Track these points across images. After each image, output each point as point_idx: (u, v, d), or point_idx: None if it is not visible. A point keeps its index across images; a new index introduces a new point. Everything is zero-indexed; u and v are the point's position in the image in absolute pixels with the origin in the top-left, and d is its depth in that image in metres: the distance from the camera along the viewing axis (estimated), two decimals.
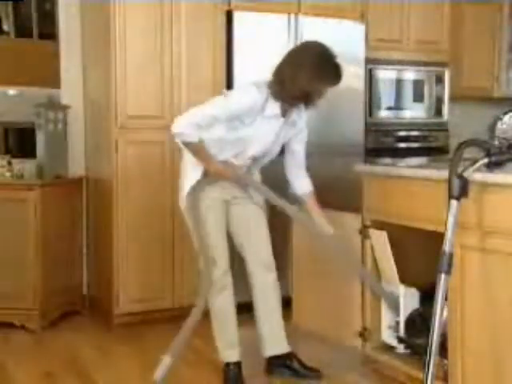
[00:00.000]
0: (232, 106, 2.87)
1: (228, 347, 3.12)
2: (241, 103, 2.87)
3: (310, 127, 4.42)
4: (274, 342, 3.19)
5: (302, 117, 3.07)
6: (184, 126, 2.83)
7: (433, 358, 2.46)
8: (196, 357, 3.47)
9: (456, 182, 2.48)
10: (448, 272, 2.47)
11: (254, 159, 3.05)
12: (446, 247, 2.47)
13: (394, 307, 3.13)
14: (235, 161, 2.99)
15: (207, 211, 3.00)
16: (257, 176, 3.18)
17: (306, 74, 2.82)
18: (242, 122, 2.88)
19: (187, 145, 2.90)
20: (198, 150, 2.90)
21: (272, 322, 3.18)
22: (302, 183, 3.18)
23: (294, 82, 2.83)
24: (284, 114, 2.96)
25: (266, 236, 3.16)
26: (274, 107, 2.91)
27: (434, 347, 2.46)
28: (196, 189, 2.96)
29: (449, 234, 2.48)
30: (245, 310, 3.25)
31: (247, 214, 3.14)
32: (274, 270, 3.17)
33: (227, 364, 3.13)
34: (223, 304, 3.10)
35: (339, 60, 2.90)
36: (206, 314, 3.06)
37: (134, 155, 3.99)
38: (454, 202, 2.49)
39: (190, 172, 3.00)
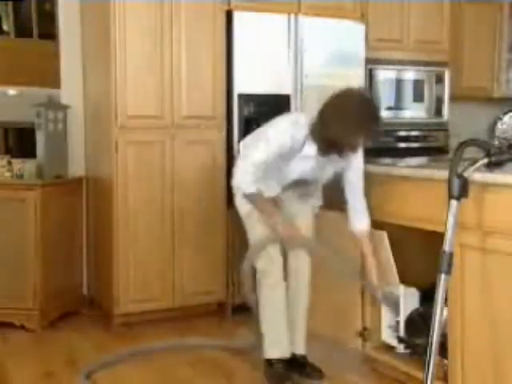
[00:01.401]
0: (275, 149, 2.89)
1: (274, 344, 3.13)
2: (281, 145, 2.89)
3: None
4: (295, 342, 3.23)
5: (350, 160, 3.00)
6: (241, 180, 2.96)
7: (433, 358, 2.46)
8: (196, 356, 3.47)
9: (456, 182, 2.48)
10: (448, 272, 2.47)
11: (303, 184, 3.11)
12: (446, 247, 2.47)
13: (395, 311, 3.14)
14: (278, 186, 3.07)
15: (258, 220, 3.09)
16: (316, 198, 3.24)
17: (345, 122, 2.77)
18: (282, 157, 2.92)
19: (248, 196, 2.98)
20: (258, 200, 2.98)
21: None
22: (358, 220, 3.12)
23: (331, 126, 2.79)
24: (323, 154, 2.91)
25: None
26: (311, 148, 2.91)
27: (433, 347, 2.46)
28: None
29: (449, 234, 2.48)
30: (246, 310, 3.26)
31: (294, 211, 3.19)
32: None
33: (270, 361, 3.13)
34: (274, 300, 3.10)
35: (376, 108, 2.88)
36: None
37: (133, 155, 3.98)
38: (453, 202, 2.49)
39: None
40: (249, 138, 3.24)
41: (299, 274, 3.21)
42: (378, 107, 2.92)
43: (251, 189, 2.94)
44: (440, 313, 2.47)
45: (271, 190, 3.07)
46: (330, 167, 3.04)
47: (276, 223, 2.96)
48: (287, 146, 2.88)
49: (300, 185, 3.13)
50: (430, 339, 2.47)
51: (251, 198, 2.98)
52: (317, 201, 3.28)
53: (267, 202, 3.01)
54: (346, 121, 2.76)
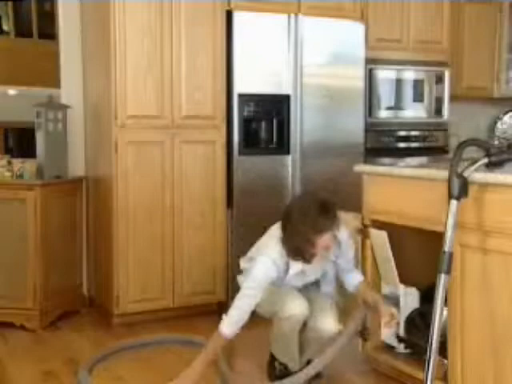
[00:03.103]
0: (262, 284, 2.85)
1: (287, 356, 3.10)
2: (267, 276, 2.85)
3: (309, 127, 4.45)
4: None
5: (339, 247, 2.97)
6: (232, 322, 2.79)
7: (433, 358, 2.46)
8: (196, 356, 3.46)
9: (456, 182, 2.48)
10: (448, 272, 2.47)
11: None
12: (446, 247, 2.47)
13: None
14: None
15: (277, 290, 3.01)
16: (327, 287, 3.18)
17: (296, 222, 2.77)
18: (274, 283, 2.91)
19: (221, 337, 2.80)
20: (214, 341, 2.82)
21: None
22: (352, 276, 3.11)
23: (297, 228, 2.77)
24: (309, 261, 2.87)
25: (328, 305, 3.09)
26: (297, 265, 2.90)
27: (434, 347, 2.46)
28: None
29: (449, 234, 2.48)
30: None
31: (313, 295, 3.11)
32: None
33: (275, 357, 3.13)
34: (291, 325, 2.97)
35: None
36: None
37: (133, 155, 3.99)
38: (453, 202, 2.49)
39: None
40: (248, 256, 3.15)
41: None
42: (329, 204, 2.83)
43: (231, 328, 2.77)
44: (440, 312, 2.47)
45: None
46: (323, 263, 3.00)
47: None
48: (274, 277, 2.87)
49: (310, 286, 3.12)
50: (429, 339, 2.47)
51: (222, 338, 2.80)
52: (330, 287, 3.18)
53: (217, 351, 2.87)
54: (300, 219, 2.76)
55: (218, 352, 2.92)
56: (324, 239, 2.77)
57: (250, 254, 3.11)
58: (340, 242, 2.95)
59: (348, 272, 3.11)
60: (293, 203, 2.99)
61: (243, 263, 3.14)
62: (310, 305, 2.98)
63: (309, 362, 3.05)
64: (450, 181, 2.49)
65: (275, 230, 2.96)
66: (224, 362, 3.20)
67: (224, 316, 2.81)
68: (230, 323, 2.78)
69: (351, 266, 3.11)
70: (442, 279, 2.46)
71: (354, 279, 3.10)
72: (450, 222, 2.48)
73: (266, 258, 2.87)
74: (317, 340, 3.03)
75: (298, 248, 2.81)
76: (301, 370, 2.96)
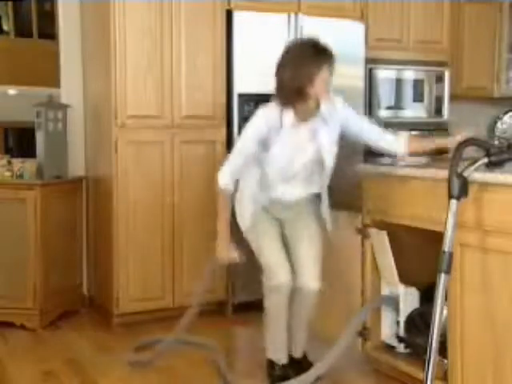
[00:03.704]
0: (249, 134, 2.94)
1: (276, 350, 3.13)
2: (255, 126, 2.94)
3: None
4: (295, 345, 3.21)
5: (336, 112, 3.01)
6: (224, 172, 2.99)
7: (433, 358, 2.46)
8: (198, 356, 3.47)
9: (456, 182, 2.48)
10: (448, 272, 2.47)
11: (309, 175, 3.04)
12: (446, 247, 2.47)
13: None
14: (290, 186, 3.02)
15: (263, 231, 3.07)
16: (325, 198, 3.16)
17: (295, 61, 2.84)
18: (268, 145, 2.92)
19: (220, 191, 3.01)
20: (221, 203, 3.02)
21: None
22: (394, 141, 3.13)
23: (284, 78, 2.86)
24: (304, 118, 2.93)
25: (313, 256, 3.10)
26: (289, 117, 2.91)
27: (433, 346, 2.46)
28: (254, 216, 3.05)
29: (448, 234, 2.48)
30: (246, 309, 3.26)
31: (299, 233, 3.13)
32: (316, 286, 3.09)
33: (274, 364, 3.14)
34: (274, 304, 3.05)
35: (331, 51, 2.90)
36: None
37: (133, 155, 3.99)
38: (453, 202, 2.49)
39: (248, 204, 3.07)
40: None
41: (305, 293, 3.10)
42: (322, 43, 2.89)
43: (224, 179, 2.98)
44: (440, 312, 2.47)
45: (278, 192, 3.03)
46: (328, 136, 2.99)
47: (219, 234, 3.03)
48: (264, 131, 2.91)
49: (305, 179, 3.06)
50: (430, 339, 2.47)
51: (220, 193, 3.01)
52: (326, 210, 3.16)
53: (227, 208, 3.03)
54: (296, 59, 2.84)
55: (227, 206, 3.02)
56: (323, 75, 2.81)
57: None
58: (337, 111, 3.00)
59: (381, 135, 3.11)
60: (285, 52, 2.94)
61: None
62: (295, 261, 3.05)
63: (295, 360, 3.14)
64: (449, 181, 2.49)
65: None
66: (224, 363, 3.21)
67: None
68: (224, 174, 2.97)
69: (378, 129, 3.13)
70: (442, 279, 2.46)
71: (396, 142, 3.11)
72: (450, 221, 2.48)
73: (259, 112, 2.95)
74: (301, 302, 3.08)
75: (297, 90, 2.82)
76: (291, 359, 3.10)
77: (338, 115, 3.02)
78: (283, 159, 2.95)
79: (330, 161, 3.01)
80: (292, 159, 2.96)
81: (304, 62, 2.82)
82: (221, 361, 3.26)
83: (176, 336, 3.36)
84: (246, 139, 2.96)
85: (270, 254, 3.04)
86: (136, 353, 3.43)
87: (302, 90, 2.83)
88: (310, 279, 3.03)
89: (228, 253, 3.04)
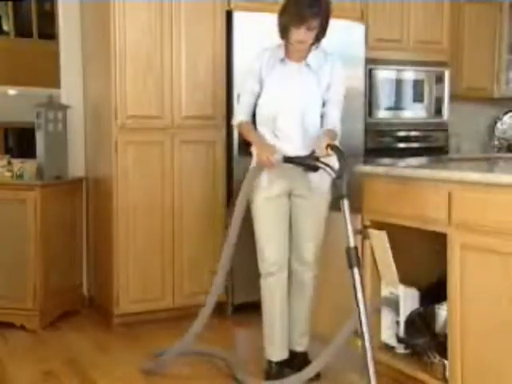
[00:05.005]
0: (247, 72, 3.15)
1: (271, 344, 3.16)
2: (250, 64, 3.14)
3: None
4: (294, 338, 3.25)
5: (326, 67, 3.10)
6: (235, 114, 3.23)
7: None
8: (197, 356, 3.47)
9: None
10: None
11: (297, 121, 3.06)
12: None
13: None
14: (280, 143, 3.05)
15: (262, 206, 3.10)
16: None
17: (283, 7, 2.98)
18: (263, 86, 3.06)
19: (238, 127, 3.21)
20: (244, 127, 3.15)
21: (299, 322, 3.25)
22: (331, 114, 3.17)
23: (282, 13, 2.98)
24: (293, 58, 3.06)
25: (313, 234, 3.16)
26: (281, 51, 3.07)
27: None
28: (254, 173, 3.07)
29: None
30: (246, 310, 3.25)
31: (302, 211, 3.15)
32: (313, 270, 3.20)
33: (269, 361, 3.16)
34: (268, 289, 3.11)
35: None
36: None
37: (133, 155, 3.99)
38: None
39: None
40: None
41: (303, 281, 3.21)
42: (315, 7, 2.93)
43: (238, 118, 3.15)
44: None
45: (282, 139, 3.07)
46: (310, 82, 3.07)
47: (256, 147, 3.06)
48: (255, 67, 3.08)
49: (295, 138, 3.07)
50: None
51: (239, 128, 3.18)
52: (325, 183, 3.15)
53: (252, 129, 3.11)
54: (287, 4, 2.96)
55: (252, 128, 3.12)
56: (299, 32, 2.91)
57: None
58: (333, 66, 3.13)
59: (331, 106, 3.16)
60: None
61: None
62: (295, 241, 3.15)
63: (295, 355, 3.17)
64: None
65: None
66: (234, 362, 3.24)
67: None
68: (235, 115, 3.20)
69: (336, 101, 3.18)
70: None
71: (330, 117, 3.16)
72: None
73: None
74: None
75: (280, 30, 2.99)
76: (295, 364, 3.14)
77: (326, 72, 3.11)
78: (269, 103, 3.06)
79: (314, 111, 3.08)
80: (277, 102, 3.05)
81: (286, 12, 2.94)
82: (231, 361, 3.28)
83: (188, 345, 3.31)
84: (245, 77, 3.17)
85: (267, 240, 3.10)
86: (150, 361, 3.37)
87: (282, 35, 2.99)
88: (309, 262, 3.16)
89: (268, 154, 2.96)
